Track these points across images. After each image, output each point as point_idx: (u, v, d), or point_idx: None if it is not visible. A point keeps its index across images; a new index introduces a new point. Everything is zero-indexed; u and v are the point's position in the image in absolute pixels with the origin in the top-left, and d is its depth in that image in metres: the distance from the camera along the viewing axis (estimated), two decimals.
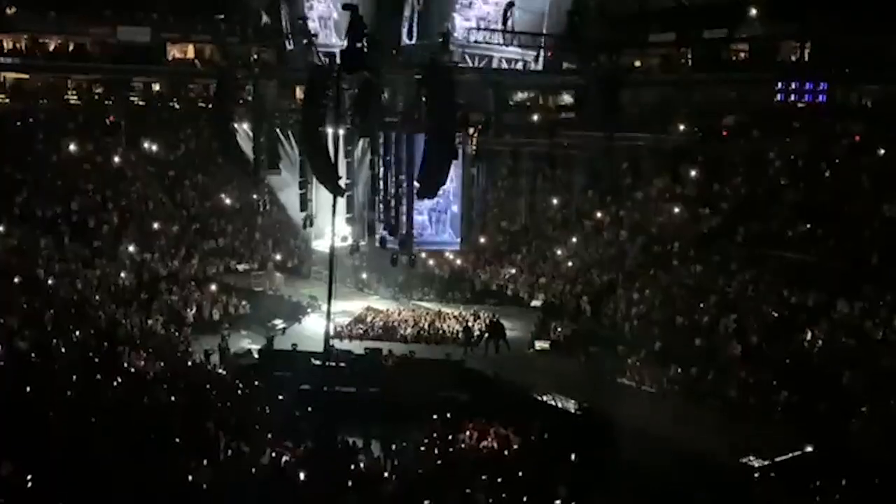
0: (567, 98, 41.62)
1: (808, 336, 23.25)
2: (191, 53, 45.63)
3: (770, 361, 23.04)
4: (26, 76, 42.83)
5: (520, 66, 39.08)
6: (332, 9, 40.63)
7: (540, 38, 38.04)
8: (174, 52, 45.23)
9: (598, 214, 35.07)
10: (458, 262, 36.49)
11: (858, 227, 26.41)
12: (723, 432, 20.32)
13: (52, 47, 42.80)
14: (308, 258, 37.43)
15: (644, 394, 23.52)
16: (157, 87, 45.13)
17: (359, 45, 23.04)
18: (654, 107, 36.77)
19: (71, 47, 43.06)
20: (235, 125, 38.48)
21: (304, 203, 35.86)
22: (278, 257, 37.26)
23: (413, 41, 38.43)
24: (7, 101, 41.20)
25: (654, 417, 20.60)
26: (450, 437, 20.32)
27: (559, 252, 34.17)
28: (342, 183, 28.64)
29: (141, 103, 43.59)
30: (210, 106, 41.37)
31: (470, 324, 28.94)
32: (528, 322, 29.82)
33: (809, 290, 25.03)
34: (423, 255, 37.04)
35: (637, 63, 40.67)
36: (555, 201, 37.36)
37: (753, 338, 24.20)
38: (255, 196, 39.99)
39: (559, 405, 22.19)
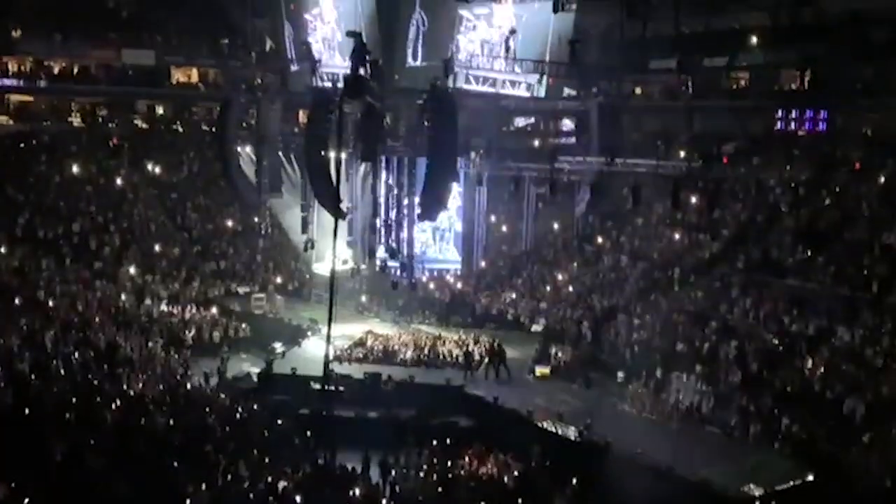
0: (568, 123, 41.86)
1: (809, 363, 23.16)
2: (195, 77, 46.03)
3: (770, 388, 22.95)
4: (30, 98, 43.08)
5: (523, 87, 39.50)
6: (336, 30, 41.06)
7: (541, 65, 38.45)
8: (178, 75, 45.62)
9: (599, 239, 35.13)
10: (459, 285, 36.52)
11: (859, 254, 26.39)
12: (723, 460, 20.22)
13: (56, 70, 43.07)
14: (308, 281, 37.54)
15: (644, 420, 23.43)
16: (160, 110, 45.40)
17: (362, 70, 23.28)
18: (655, 133, 36.95)
19: (75, 70, 43.35)
20: (238, 148, 38.87)
21: (305, 226, 36.06)
22: (279, 280, 37.24)
23: (418, 62, 38.87)
24: (11, 122, 41.34)
25: (654, 444, 20.45)
26: (449, 463, 20.21)
27: (560, 277, 34.18)
28: (343, 206, 28.77)
29: (144, 126, 43.82)
30: (213, 129, 41.71)
31: (470, 348, 28.81)
32: (529, 347, 29.70)
33: (810, 317, 24.99)
34: (424, 278, 37.19)
35: (638, 90, 40.96)
36: (556, 226, 37.45)
37: (754, 364, 24.11)
38: (256, 219, 40.26)
39: (559, 431, 22.06)
